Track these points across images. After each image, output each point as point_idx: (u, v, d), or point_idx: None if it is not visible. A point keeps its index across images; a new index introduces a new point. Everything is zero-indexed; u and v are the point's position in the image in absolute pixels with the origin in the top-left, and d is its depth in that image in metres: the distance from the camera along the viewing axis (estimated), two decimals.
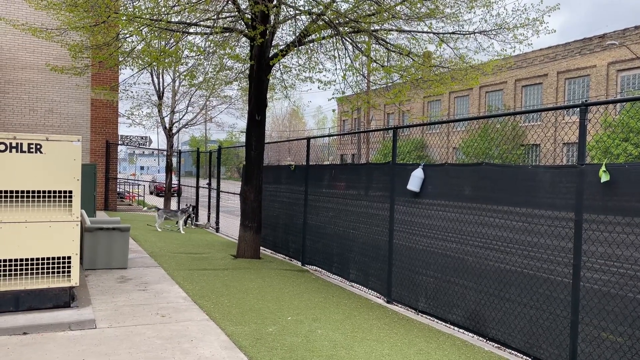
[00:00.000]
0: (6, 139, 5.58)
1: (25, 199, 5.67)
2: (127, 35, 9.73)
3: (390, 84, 10.89)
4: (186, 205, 16.34)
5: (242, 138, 45.87)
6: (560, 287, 4.93)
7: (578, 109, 4.81)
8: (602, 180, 4.53)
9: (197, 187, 17.77)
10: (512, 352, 5.41)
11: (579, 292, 4.73)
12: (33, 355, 4.61)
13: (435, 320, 6.48)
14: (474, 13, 9.26)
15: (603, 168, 4.53)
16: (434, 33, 9.66)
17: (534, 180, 5.28)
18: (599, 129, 24.51)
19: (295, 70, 11.16)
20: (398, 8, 8.86)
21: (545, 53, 33.00)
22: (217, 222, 15.55)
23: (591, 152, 22.38)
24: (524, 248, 5.32)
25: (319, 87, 10.22)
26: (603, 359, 4.51)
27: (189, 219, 15.50)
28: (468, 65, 9.93)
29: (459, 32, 9.67)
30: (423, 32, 9.73)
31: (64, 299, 5.87)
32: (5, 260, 5.59)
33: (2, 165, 5.55)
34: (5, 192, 5.58)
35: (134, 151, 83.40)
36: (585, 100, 4.85)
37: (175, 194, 21.02)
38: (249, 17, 9.18)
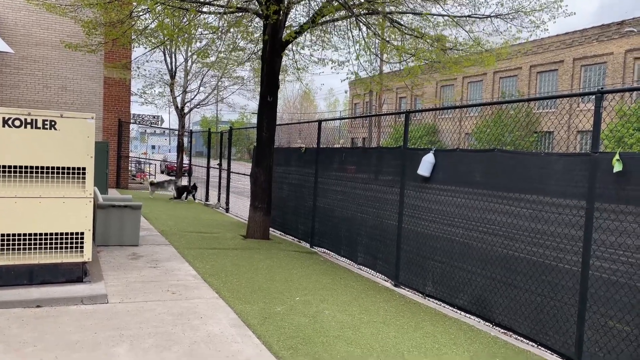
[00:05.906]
0: (21, 114, 5.64)
1: (39, 174, 5.74)
2: (141, 13, 9.72)
3: (404, 66, 10.80)
4: (181, 182, 17.16)
5: (254, 119, 45.80)
6: (568, 275, 4.94)
7: (593, 96, 4.76)
8: (614, 170, 4.49)
9: (208, 168, 17.85)
10: (518, 337, 5.44)
11: (588, 280, 4.73)
12: (47, 328, 4.71)
13: (442, 304, 6.52)
14: None
15: (616, 157, 4.49)
16: (449, 16, 9.53)
17: (546, 168, 5.25)
18: (614, 118, 24.17)
19: (309, 49, 11.10)
20: None
21: (561, 39, 32.46)
22: (227, 203, 15.65)
23: (604, 141, 22.13)
24: (533, 235, 5.32)
25: (332, 69, 10.19)
26: (609, 347, 4.53)
27: (189, 194, 17.06)
28: (483, 49, 9.81)
29: (474, 15, 9.53)
30: (438, 14, 9.61)
31: (77, 274, 5.97)
32: (19, 235, 5.68)
33: (17, 141, 5.61)
34: (20, 167, 5.65)
35: (145, 130, 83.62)
36: (601, 88, 4.79)
37: (186, 174, 21.17)
38: None
